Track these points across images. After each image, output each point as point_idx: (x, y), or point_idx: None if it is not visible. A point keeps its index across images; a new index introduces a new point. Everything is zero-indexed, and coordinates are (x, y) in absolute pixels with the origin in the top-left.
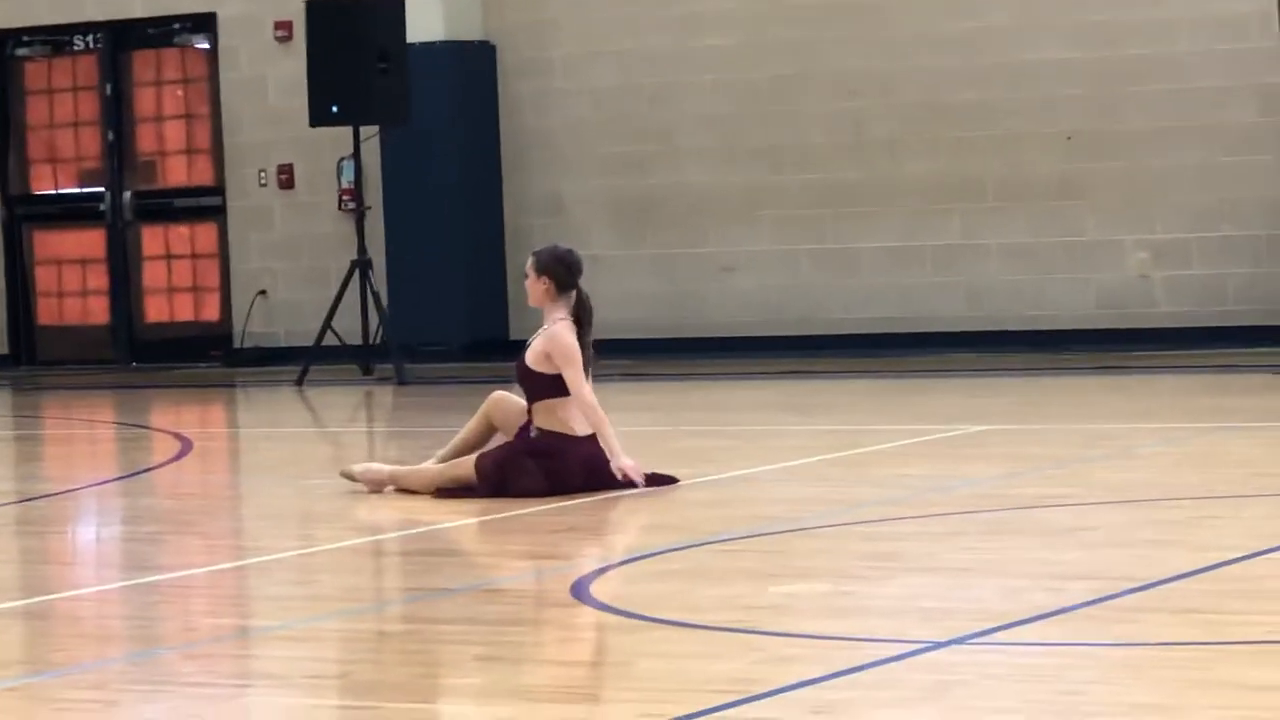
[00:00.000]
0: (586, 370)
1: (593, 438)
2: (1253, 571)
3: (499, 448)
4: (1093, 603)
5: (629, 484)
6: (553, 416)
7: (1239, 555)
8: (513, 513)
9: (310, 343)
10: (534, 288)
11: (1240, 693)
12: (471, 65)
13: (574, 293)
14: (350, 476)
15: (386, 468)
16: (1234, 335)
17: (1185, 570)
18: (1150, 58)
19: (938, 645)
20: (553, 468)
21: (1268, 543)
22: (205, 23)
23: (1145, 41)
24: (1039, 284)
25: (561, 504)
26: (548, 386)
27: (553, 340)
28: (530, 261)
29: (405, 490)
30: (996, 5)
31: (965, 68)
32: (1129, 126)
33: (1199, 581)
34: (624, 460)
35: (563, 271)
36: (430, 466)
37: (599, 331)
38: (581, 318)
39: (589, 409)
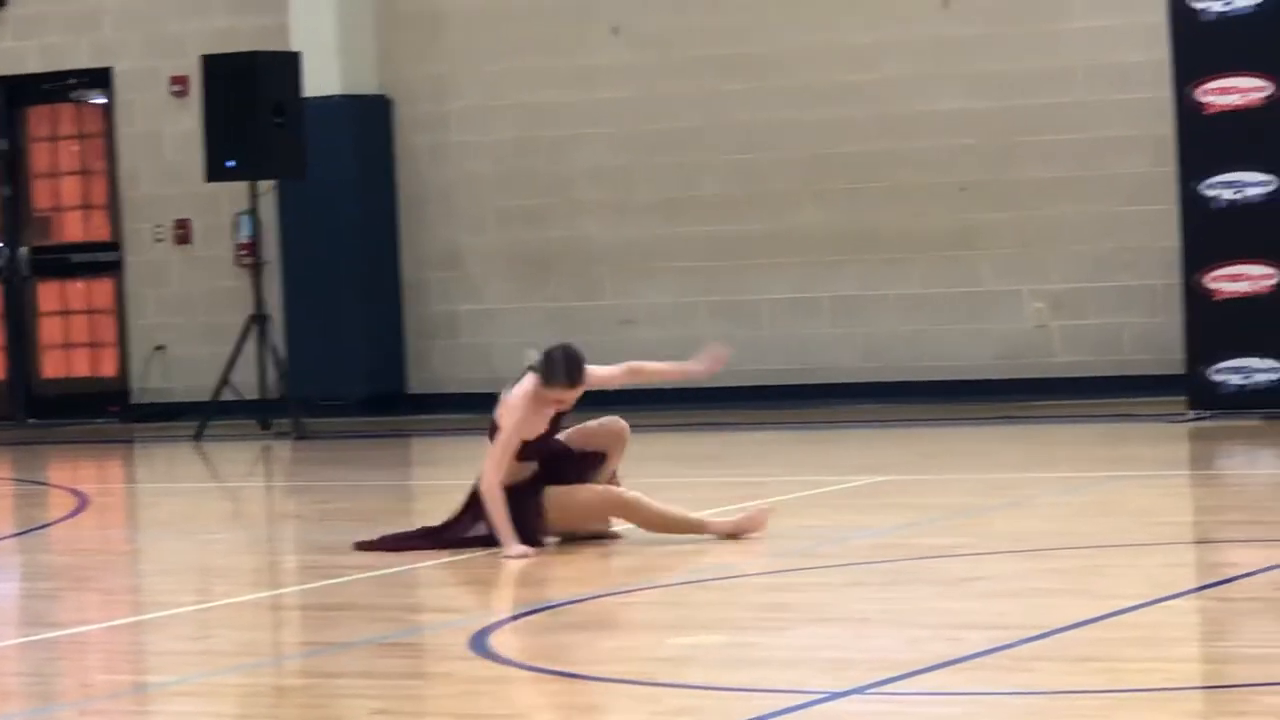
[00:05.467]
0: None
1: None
2: (1149, 619)
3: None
4: (991, 651)
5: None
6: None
7: (1136, 603)
8: (410, 566)
9: (208, 398)
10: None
11: None
12: (368, 119)
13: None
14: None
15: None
16: (1131, 384)
17: (1083, 619)
18: (1045, 108)
19: (836, 695)
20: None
21: (1164, 591)
22: (101, 78)
23: (1040, 91)
24: (936, 335)
25: (457, 558)
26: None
27: (504, 402)
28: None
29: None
30: (891, 56)
31: (860, 119)
32: (1024, 176)
33: (1096, 630)
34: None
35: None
36: None
37: (497, 385)
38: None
39: (487, 486)
